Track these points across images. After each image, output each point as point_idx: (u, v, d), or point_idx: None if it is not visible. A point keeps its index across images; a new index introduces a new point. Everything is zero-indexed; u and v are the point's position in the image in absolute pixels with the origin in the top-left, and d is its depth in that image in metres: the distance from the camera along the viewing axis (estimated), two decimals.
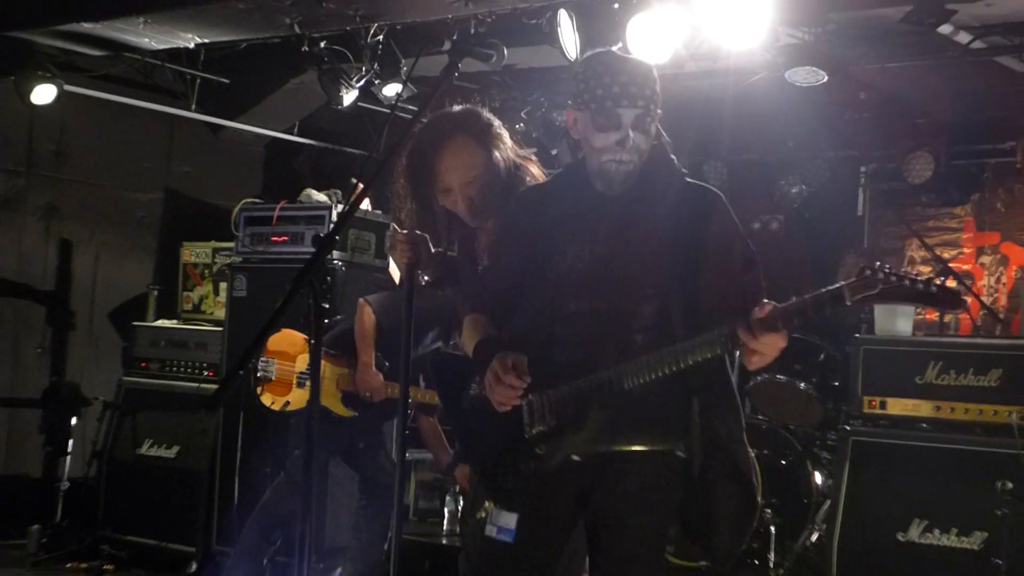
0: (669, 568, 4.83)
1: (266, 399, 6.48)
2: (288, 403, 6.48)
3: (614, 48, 3.71)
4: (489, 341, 3.66)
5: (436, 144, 4.23)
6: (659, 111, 3.60)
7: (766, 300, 3.40)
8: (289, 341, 6.45)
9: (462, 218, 4.24)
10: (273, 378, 6.45)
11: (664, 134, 3.74)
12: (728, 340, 3.34)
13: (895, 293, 3.25)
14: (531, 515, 3.55)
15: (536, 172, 4.27)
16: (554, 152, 9.16)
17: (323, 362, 6.37)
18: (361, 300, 6.35)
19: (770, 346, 3.35)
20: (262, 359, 6.43)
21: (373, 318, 6.28)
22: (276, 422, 6.84)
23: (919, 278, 3.23)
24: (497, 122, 4.29)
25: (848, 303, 3.29)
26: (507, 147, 4.26)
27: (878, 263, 3.29)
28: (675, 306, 3.57)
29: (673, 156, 3.78)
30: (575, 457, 3.54)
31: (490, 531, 3.58)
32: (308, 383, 6.44)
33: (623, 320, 3.58)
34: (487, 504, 3.63)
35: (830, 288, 3.30)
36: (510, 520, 3.54)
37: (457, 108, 4.43)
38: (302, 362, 6.46)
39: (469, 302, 3.99)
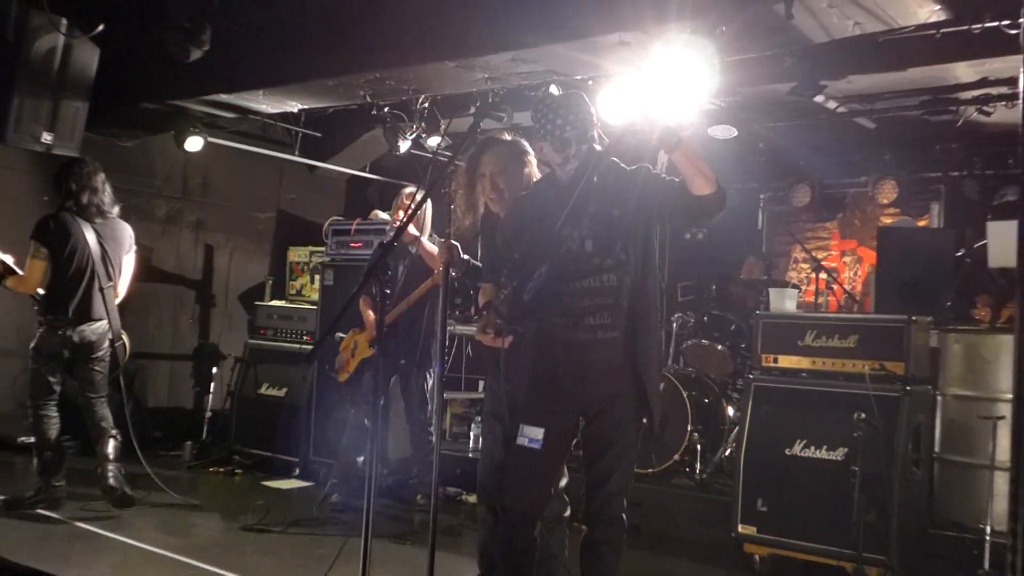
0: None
1: (342, 378, 6.87)
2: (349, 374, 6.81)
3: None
4: (489, 304, 3.72)
5: (484, 149, 4.26)
6: (593, 125, 3.65)
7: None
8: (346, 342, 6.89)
9: (489, 205, 4.19)
10: (340, 365, 6.84)
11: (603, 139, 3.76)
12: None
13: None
14: (549, 432, 3.54)
15: None
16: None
17: (357, 336, 6.57)
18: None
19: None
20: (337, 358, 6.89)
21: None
22: (363, 377, 6.86)
23: None
24: (531, 149, 4.23)
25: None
26: (532, 165, 4.22)
27: None
28: (636, 251, 3.57)
29: (614, 158, 3.73)
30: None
31: (522, 441, 3.56)
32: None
33: (603, 290, 3.55)
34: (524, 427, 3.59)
35: None
36: (538, 433, 3.53)
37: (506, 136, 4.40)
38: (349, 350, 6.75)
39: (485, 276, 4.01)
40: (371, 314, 6.54)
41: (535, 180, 4.08)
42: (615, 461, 3.62)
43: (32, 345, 6.00)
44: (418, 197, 6.47)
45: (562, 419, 3.59)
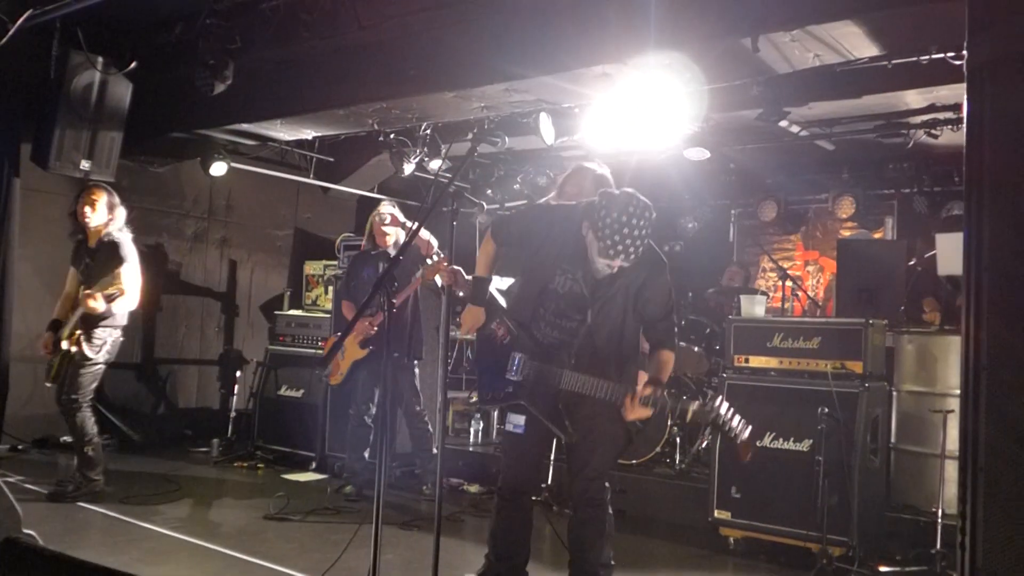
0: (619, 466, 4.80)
1: (333, 381, 6.73)
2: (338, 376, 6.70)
3: (628, 190, 3.50)
4: (510, 312, 3.75)
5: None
6: (647, 240, 3.41)
7: (647, 380, 3.45)
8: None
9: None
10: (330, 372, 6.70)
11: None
12: (619, 397, 3.38)
13: (715, 423, 3.33)
14: (530, 418, 3.58)
15: None
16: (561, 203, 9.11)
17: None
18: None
19: (638, 415, 3.38)
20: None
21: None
22: (359, 377, 6.82)
23: (734, 429, 3.32)
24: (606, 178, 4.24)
25: (687, 420, 3.37)
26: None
27: (719, 400, 3.35)
28: (609, 333, 3.56)
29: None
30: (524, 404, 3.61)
31: (508, 427, 3.66)
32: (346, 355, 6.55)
33: (575, 334, 3.55)
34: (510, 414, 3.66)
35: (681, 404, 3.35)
36: (520, 420, 3.61)
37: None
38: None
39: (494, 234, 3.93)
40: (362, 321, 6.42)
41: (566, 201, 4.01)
42: (592, 448, 3.66)
43: (105, 349, 5.85)
44: (395, 212, 6.50)
45: (541, 407, 3.60)
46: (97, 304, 5.65)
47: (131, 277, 5.85)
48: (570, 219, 3.62)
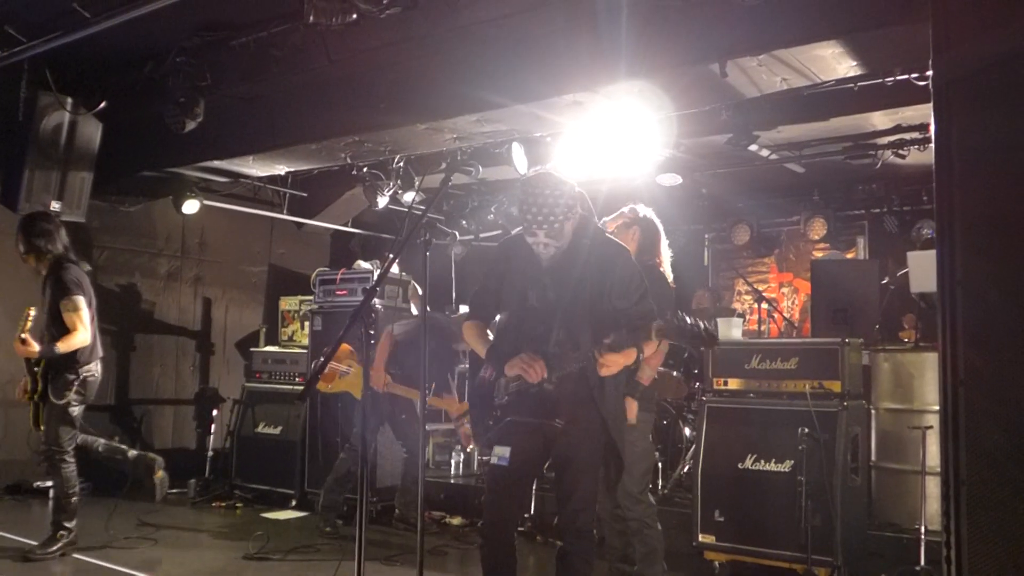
0: None
1: (320, 387, 6.42)
2: (330, 388, 6.49)
3: (542, 170, 3.60)
4: (494, 348, 3.68)
5: None
6: (568, 217, 3.46)
7: (656, 320, 3.43)
8: (341, 350, 6.34)
9: None
10: (324, 371, 6.41)
11: (585, 208, 3.65)
12: (591, 357, 3.40)
13: (679, 332, 3.37)
14: (514, 451, 3.53)
15: None
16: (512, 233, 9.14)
17: (355, 364, 6.39)
18: (387, 327, 6.35)
19: (612, 361, 3.41)
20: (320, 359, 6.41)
21: (392, 337, 6.26)
22: (341, 411, 6.77)
23: (697, 325, 3.35)
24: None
25: (653, 338, 3.40)
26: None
27: (680, 314, 3.39)
28: (586, 327, 3.55)
29: (596, 221, 3.72)
30: (531, 420, 3.54)
31: (494, 460, 3.57)
32: (348, 376, 6.44)
33: (553, 342, 3.54)
34: (496, 447, 3.58)
35: (643, 327, 3.41)
36: (505, 452, 3.54)
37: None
38: (344, 362, 6.45)
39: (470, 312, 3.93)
40: (381, 358, 6.33)
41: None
42: (577, 478, 3.62)
43: (72, 392, 5.58)
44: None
45: (526, 439, 3.57)
46: (36, 351, 5.48)
47: (76, 310, 5.51)
48: (519, 234, 3.69)
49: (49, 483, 5.85)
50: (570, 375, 3.51)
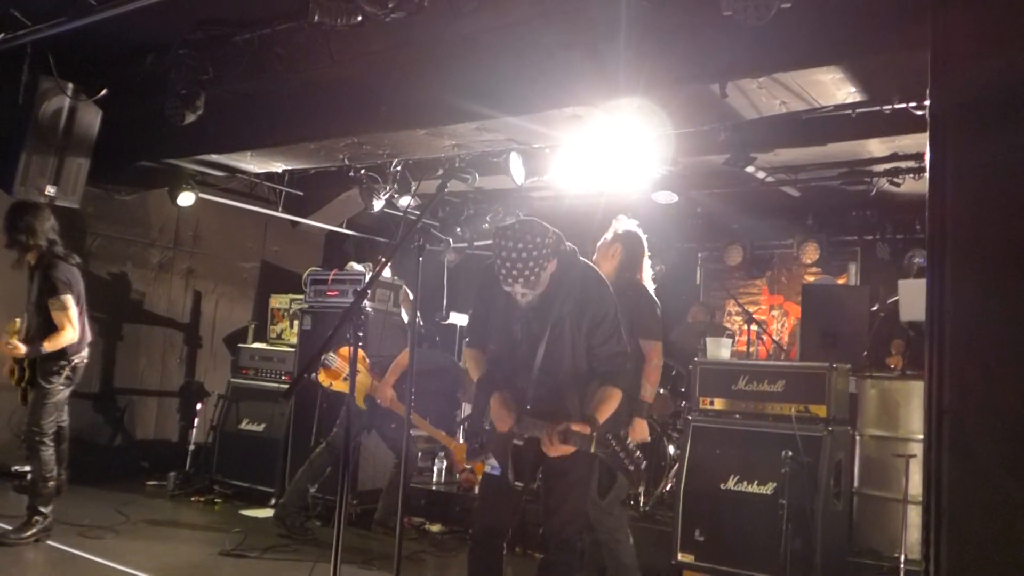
0: None
1: (321, 379, 6.37)
2: (331, 385, 6.39)
3: (521, 217, 3.58)
4: (487, 377, 3.67)
5: None
6: (545, 266, 3.37)
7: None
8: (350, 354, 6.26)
9: None
10: (332, 367, 6.35)
11: (564, 249, 3.55)
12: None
13: (612, 458, 3.31)
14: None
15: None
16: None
17: (364, 370, 6.34)
18: (405, 348, 6.23)
19: (554, 451, 3.39)
20: (331, 355, 6.31)
21: (405, 360, 6.18)
22: (324, 410, 6.75)
23: (631, 458, 3.29)
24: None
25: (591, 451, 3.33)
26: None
27: (610, 435, 3.31)
28: (566, 362, 3.55)
29: (578, 255, 3.64)
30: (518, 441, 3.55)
31: (487, 468, 3.62)
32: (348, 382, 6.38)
33: (536, 375, 3.53)
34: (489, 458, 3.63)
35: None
36: (496, 462, 3.59)
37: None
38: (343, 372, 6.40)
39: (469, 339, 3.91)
40: (392, 377, 6.30)
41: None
42: (565, 491, 3.62)
43: (62, 377, 5.63)
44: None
45: (521, 448, 3.56)
46: (23, 352, 5.50)
47: (64, 310, 5.54)
48: None
49: (28, 468, 5.80)
50: (547, 397, 3.51)
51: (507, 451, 3.55)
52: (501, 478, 3.57)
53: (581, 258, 3.68)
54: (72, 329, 5.58)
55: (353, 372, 3.46)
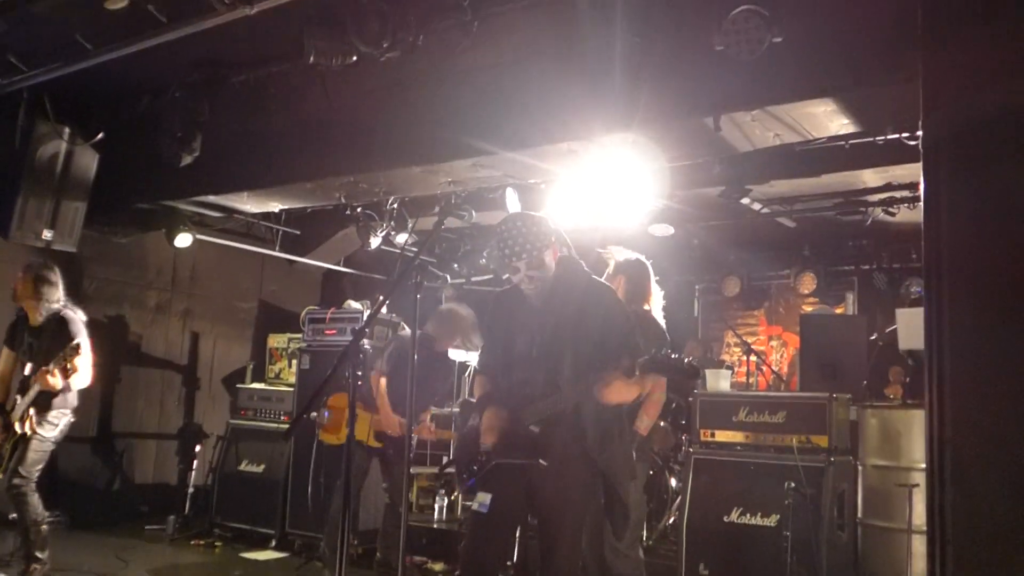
0: None
1: (325, 438, 6.32)
2: (337, 440, 6.32)
3: (520, 212, 3.74)
4: (485, 396, 3.70)
5: None
6: (546, 247, 3.52)
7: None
8: (341, 401, 6.10)
9: None
10: (328, 423, 6.29)
11: (565, 244, 3.67)
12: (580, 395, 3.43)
13: (663, 366, 3.35)
14: (496, 497, 3.50)
15: None
16: (504, 277, 9.16)
17: (361, 410, 6.28)
18: (372, 372, 6.18)
19: (615, 391, 3.42)
20: (325, 411, 6.24)
21: (383, 379, 6.10)
22: (324, 452, 6.71)
23: (681, 359, 3.35)
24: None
25: (638, 372, 3.35)
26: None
27: (665, 350, 3.41)
28: (568, 368, 3.53)
29: (581, 262, 3.72)
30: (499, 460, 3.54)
31: (475, 506, 3.56)
32: (356, 422, 6.31)
33: (535, 385, 3.54)
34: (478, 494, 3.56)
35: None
36: (486, 499, 3.52)
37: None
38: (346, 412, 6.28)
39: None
40: (386, 403, 6.14)
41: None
42: (559, 531, 3.56)
43: (59, 429, 5.67)
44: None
45: (508, 487, 3.53)
46: (55, 381, 5.50)
47: (83, 355, 5.62)
48: (510, 287, 3.76)
49: (15, 515, 5.76)
50: (560, 419, 3.48)
51: (498, 474, 3.53)
52: (489, 516, 3.52)
53: (593, 276, 3.72)
54: (86, 375, 5.64)
55: (352, 415, 3.44)
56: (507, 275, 3.61)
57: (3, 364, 5.85)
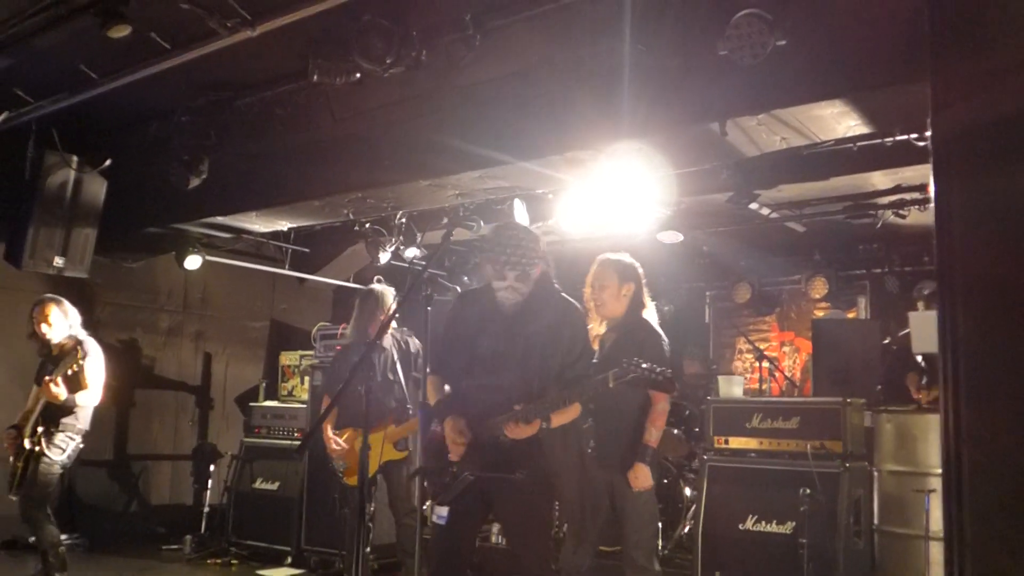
0: (598, 553, 4.69)
1: (352, 482, 6.02)
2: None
3: (519, 224, 3.79)
4: (443, 402, 3.71)
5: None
6: (536, 264, 3.62)
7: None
8: (349, 440, 5.73)
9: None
10: (345, 469, 6.00)
11: (550, 265, 3.76)
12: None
13: (640, 379, 3.35)
14: (454, 509, 3.54)
15: None
16: (488, 281, 9.16)
17: (371, 433, 6.08)
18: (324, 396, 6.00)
19: (518, 432, 3.46)
20: (339, 461, 5.97)
21: (329, 399, 5.83)
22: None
23: (655, 369, 3.34)
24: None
25: (611, 385, 3.37)
26: None
27: (635, 360, 3.37)
28: (535, 379, 3.56)
29: (554, 280, 3.79)
30: (471, 476, 3.54)
31: (434, 518, 3.60)
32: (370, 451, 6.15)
33: (502, 391, 3.54)
34: (436, 507, 3.60)
35: (600, 378, 3.42)
36: (443, 511, 3.56)
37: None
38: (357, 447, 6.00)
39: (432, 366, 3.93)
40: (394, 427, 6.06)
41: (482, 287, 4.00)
42: (522, 538, 3.64)
43: (67, 453, 5.69)
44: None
45: (465, 498, 3.56)
46: (59, 390, 5.53)
47: (93, 371, 5.73)
48: (478, 287, 3.85)
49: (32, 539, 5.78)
50: (500, 409, 3.52)
51: (460, 487, 3.54)
52: (449, 528, 3.54)
53: (564, 295, 3.79)
54: (96, 392, 5.70)
55: (366, 431, 3.42)
56: (492, 280, 3.66)
57: (31, 401, 5.86)
